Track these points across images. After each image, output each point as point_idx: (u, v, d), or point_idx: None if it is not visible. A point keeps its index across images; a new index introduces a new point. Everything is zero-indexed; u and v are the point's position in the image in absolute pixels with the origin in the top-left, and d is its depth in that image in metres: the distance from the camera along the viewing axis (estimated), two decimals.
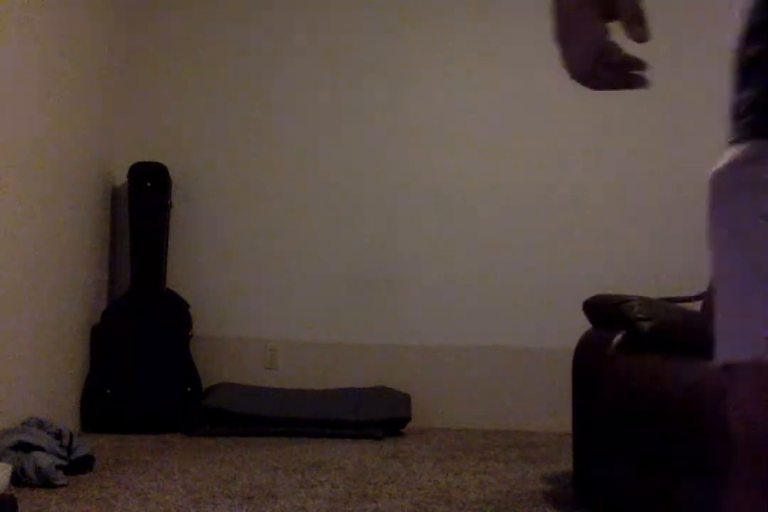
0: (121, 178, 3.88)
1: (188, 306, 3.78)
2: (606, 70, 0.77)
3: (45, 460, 2.61)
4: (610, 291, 2.67)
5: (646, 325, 2.33)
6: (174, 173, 3.88)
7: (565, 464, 2.69)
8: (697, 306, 2.93)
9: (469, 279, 3.94)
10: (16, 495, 2.28)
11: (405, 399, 3.66)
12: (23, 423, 2.84)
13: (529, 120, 4.00)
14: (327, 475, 2.81)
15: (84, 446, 2.85)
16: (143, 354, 3.68)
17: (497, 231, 3.96)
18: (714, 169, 0.76)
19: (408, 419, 3.61)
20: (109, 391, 3.61)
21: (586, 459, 2.44)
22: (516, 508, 2.44)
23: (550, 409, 3.66)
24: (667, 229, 3.86)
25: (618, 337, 2.39)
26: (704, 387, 1.87)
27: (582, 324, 2.57)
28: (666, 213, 3.88)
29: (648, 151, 3.94)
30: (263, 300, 3.96)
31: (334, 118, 4.04)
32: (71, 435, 2.85)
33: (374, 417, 3.57)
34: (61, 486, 2.57)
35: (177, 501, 2.46)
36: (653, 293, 2.55)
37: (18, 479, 2.53)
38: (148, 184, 3.80)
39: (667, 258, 3.79)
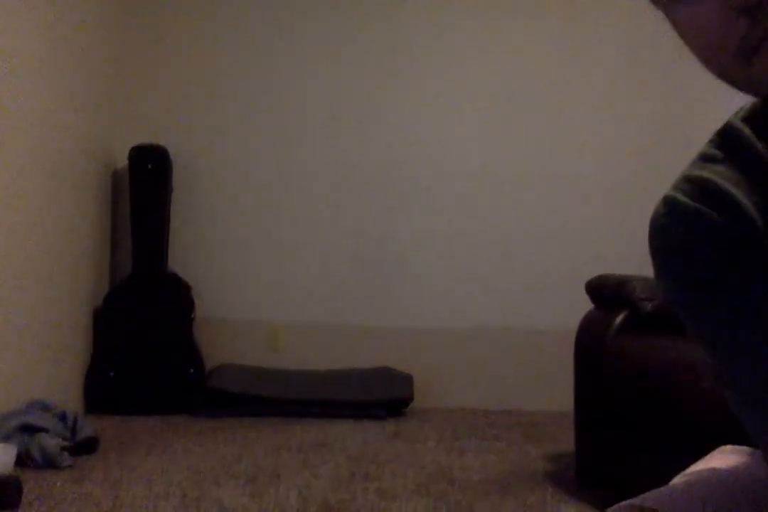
0: (122, 160, 3.87)
1: (190, 288, 3.78)
2: None
3: (50, 442, 2.62)
4: (613, 272, 2.66)
5: (648, 306, 2.32)
6: (175, 155, 3.86)
7: (567, 443, 2.70)
8: None
9: (472, 261, 3.93)
10: (20, 477, 2.30)
11: (407, 380, 3.67)
12: (27, 406, 2.85)
13: (531, 95, 3.97)
14: (330, 455, 2.83)
15: (88, 427, 2.87)
16: (146, 337, 3.69)
17: (500, 211, 3.95)
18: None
19: (410, 399, 3.62)
20: (112, 373, 3.62)
21: (588, 439, 2.45)
22: (518, 487, 2.45)
23: (552, 389, 3.67)
24: None
25: (620, 318, 2.39)
26: (707, 366, 1.87)
27: (584, 305, 2.57)
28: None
29: (653, 128, 3.92)
30: (266, 282, 3.96)
31: (336, 98, 4.01)
32: (75, 417, 2.87)
33: (377, 397, 3.58)
34: (66, 467, 2.59)
35: (181, 481, 2.48)
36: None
37: (23, 460, 2.55)
38: (149, 167, 3.79)
39: None
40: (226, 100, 4.02)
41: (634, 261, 3.66)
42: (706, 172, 0.66)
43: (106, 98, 3.87)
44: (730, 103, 0.78)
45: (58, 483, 2.42)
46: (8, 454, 2.38)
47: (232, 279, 3.96)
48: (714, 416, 1.80)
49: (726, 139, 0.68)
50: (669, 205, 0.67)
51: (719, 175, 0.65)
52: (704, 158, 0.68)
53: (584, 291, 2.58)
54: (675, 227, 0.66)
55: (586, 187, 3.92)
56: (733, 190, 0.64)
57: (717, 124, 0.72)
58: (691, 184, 0.67)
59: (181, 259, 3.89)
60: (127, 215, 3.82)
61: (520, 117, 3.97)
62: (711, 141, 0.69)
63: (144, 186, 3.79)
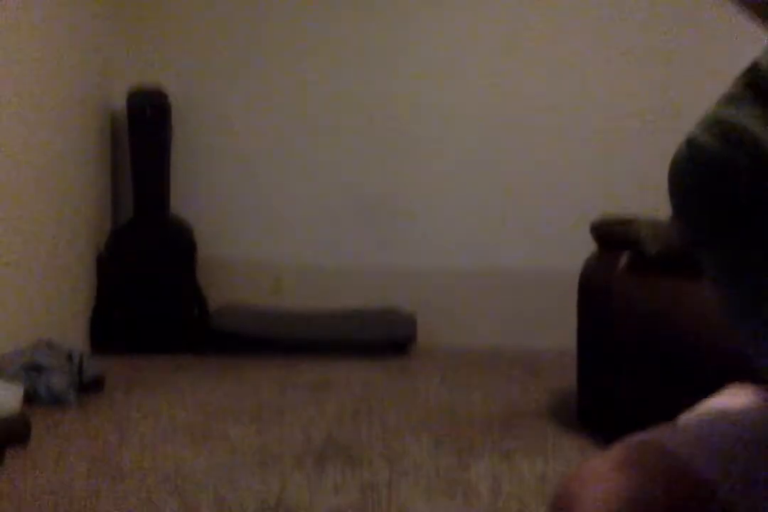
0: (120, 103, 3.80)
1: (192, 230, 3.76)
2: None
3: (56, 380, 2.66)
4: (618, 212, 2.64)
5: (653, 246, 2.31)
6: (175, 98, 3.79)
7: (568, 381, 2.73)
8: None
9: (475, 202, 3.91)
10: (29, 415, 2.33)
11: (410, 320, 3.70)
12: (34, 345, 2.87)
13: (534, 32, 3.88)
14: (334, 393, 2.87)
15: (95, 367, 2.90)
16: (149, 278, 3.70)
17: (503, 150, 3.90)
18: None
19: (413, 339, 3.65)
20: (117, 314, 3.64)
21: (590, 377, 2.47)
22: (519, 423, 2.49)
23: (554, 328, 3.68)
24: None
25: (624, 258, 2.38)
26: (709, 307, 1.87)
27: (589, 246, 2.55)
28: (682, 126, 3.80)
29: (664, 65, 3.83)
30: (268, 223, 3.94)
31: (341, 40, 3.91)
32: (82, 356, 2.89)
33: (380, 336, 3.61)
34: (73, 405, 2.63)
35: (187, 418, 2.52)
36: (663, 214, 2.51)
37: (30, 399, 2.58)
38: (148, 111, 3.72)
39: None
40: (226, 42, 3.92)
41: (641, 202, 3.64)
42: (732, 113, 0.64)
43: (103, 40, 3.78)
44: (744, 40, 0.75)
45: (66, 421, 2.46)
46: (16, 393, 2.42)
47: (233, 220, 3.94)
48: (717, 356, 1.81)
49: (753, 78, 0.65)
50: (691, 147, 0.65)
51: (745, 116, 0.63)
52: (730, 98, 0.65)
53: (589, 231, 2.57)
54: (697, 170, 0.64)
55: (593, 127, 3.86)
56: (759, 132, 0.61)
57: (732, 63, 0.69)
58: (716, 125, 0.64)
59: (183, 201, 3.86)
60: (127, 158, 3.78)
61: (527, 57, 3.88)
62: (737, 80, 0.66)
63: (143, 129, 3.73)
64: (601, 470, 0.69)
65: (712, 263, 0.67)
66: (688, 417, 0.80)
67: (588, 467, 0.70)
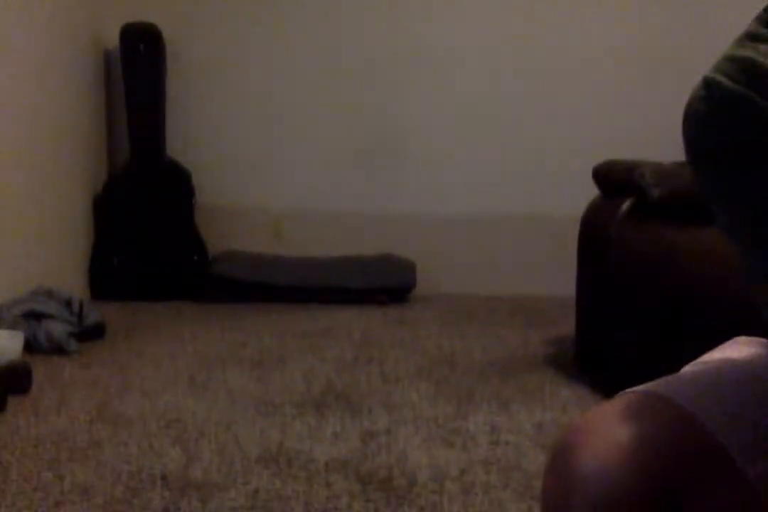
0: (113, 40, 3.70)
1: (191, 174, 3.72)
2: None
3: (56, 328, 2.66)
4: (623, 156, 2.59)
5: (656, 192, 2.27)
6: (170, 38, 3.69)
7: (567, 329, 2.73)
8: None
9: (476, 147, 3.85)
10: (29, 363, 2.34)
11: (410, 267, 3.69)
12: (32, 293, 2.87)
13: None
14: (334, 340, 2.88)
15: (94, 313, 2.90)
16: (148, 224, 3.67)
17: (504, 96, 3.82)
18: None
19: (413, 286, 3.65)
20: (115, 260, 3.63)
21: (589, 324, 2.47)
22: (518, 371, 2.50)
23: (554, 275, 3.67)
24: (686, 88, 3.70)
25: (626, 204, 2.35)
26: (714, 255, 1.85)
27: (591, 192, 2.52)
28: (685, 71, 3.71)
29: (660, 10, 3.72)
30: (267, 168, 3.89)
31: None
32: (81, 303, 2.89)
33: (380, 284, 3.61)
34: (74, 352, 2.64)
35: (188, 365, 2.53)
36: (670, 158, 2.46)
37: (30, 346, 2.59)
38: (141, 47, 3.63)
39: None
40: None
41: (645, 148, 3.57)
42: (751, 52, 0.60)
43: None
44: None
45: (67, 368, 2.48)
46: (16, 340, 2.42)
47: (231, 166, 3.89)
48: (720, 305, 1.80)
49: None
50: (709, 87, 0.62)
51: (765, 55, 0.60)
52: (750, 36, 0.62)
53: (591, 177, 2.53)
54: (716, 111, 0.61)
55: (597, 71, 3.77)
56: None
57: (741, 5, 0.65)
58: (735, 64, 0.61)
59: (180, 145, 3.80)
60: (121, 98, 3.70)
61: (530, 2, 3.77)
62: (757, 18, 0.63)
63: (137, 67, 3.64)
64: (603, 421, 0.68)
65: (727, 209, 0.65)
66: (692, 369, 0.78)
67: (590, 418, 0.69)
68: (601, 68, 3.77)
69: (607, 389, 0.68)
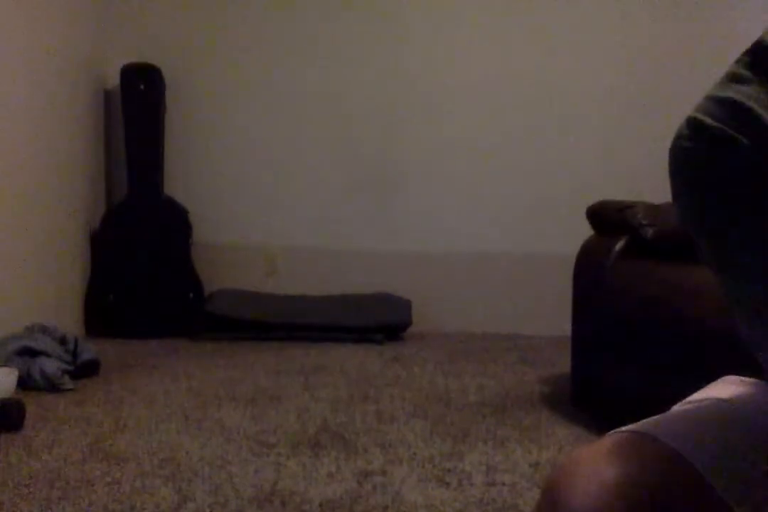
0: (113, 80, 3.76)
1: (188, 212, 3.74)
2: None
3: (50, 365, 2.65)
4: (616, 196, 2.62)
5: (650, 231, 2.30)
6: (168, 76, 3.75)
7: (562, 368, 2.73)
8: None
9: (471, 185, 3.89)
10: (23, 400, 2.32)
11: (406, 305, 3.69)
12: (27, 329, 2.86)
13: (535, 17, 3.83)
14: (329, 378, 2.87)
15: (89, 351, 2.89)
16: (144, 261, 3.68)
17: (500, 134, 3.87)
18: None
19: (408, 324, 3.65)
20: (111, 297, 3.63)
21: (584, 363, 2.47)
22: (513, 409, 2.49)
23: (549, 314, 3.68)
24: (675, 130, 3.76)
25: (620, 243, 2.37)
26: (707, 293, 1.86)
27: (585, 231, 2.54)
28: (677, 113, 3.77)
29: (658, 52, 3.80)
30: (264, 205, 3.92)
31: (334, 16, 3.87)
32: (76, 340, 2.88)
33: (375, 322, 3.61)
34: (68, 390, 2.62)
35: (183, 403, 2.51)
36: (660, 199, 2.50)
37: (24, 383, 2.57)
38: (141, 87, 3.69)
39: None
40: (220, 19, 3.87)
41: (637, 187, 3.62)
42: (734, 93, 0.63)
43: (95, 16, 3.73)
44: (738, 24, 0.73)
45: (60, 406, 2.46)
46: (10, 377, 2.41)
47: (228, 203, 3.92)
48: (713, 344, 1.81)
49: (756, 58, 0.64)
50: (693, 127, 0.64)
51: (747, 97, 0.62)
52: (732, 78, 0.64)
53: (585, 216, 2.55)
54: (699, 150, 0.63)
55: (591, 112, 3.83)
56: (762, 113, 0.60)
57: (728, 49, 0.68)
58: (717, 105, 0.63)
59: (178, 183, 3.83)
60: (121, 137, 3.75)
61: (524, 32, 3.84)
62: (739, 60, 0.65)
63: (136, 106, 3.70)
64: (590, 461, 0.68)
65: (711, 246, 0.66)
66: (680, 408, 0.79)
67: (577, 457, 0.70)
68: (598, 109, 3.83)
69: (603, 427, 0.68)
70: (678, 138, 0.65)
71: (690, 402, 0.80)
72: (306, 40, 3.88)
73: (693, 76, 3.63)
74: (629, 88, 3.81)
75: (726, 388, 0.81)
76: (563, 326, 2.63)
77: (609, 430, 0.75)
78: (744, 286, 0.65)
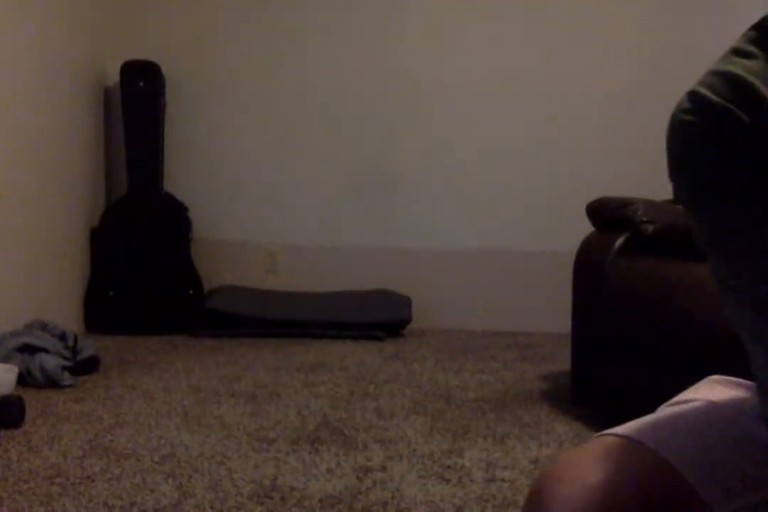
0: (113, 77, 3.76)
1: (187, 209, 3.74)
2: None
3: (50, 361, 2.65)
4: (614, 194, 2.62)
5: (650, 228, 2.30)
6: (168, 73, 3.75)
7: (562, 364, 2.73)
8: None
9: (472, 182, 3.88)
10: (23, 396, 2.32)
11: (406, 302, 3.69)
12: (27, 326, 2.86)
13: (531, 13, 3.83)
14: (329, 375, 2.87)
15: (89, 347, 2.89)
16: (144, 257, 3.68)
17: (501, 132, 3.86)
18: None
19: (408, 321, 3.65)
20: (111, 293, 3.63)
21: (584, 360, 2.47)
22: (513, 406, 2.49)
23: (549, 311, 3.68)
24: None
25: (620, 240, 2.37)
26: (707, 289, 1.86)
27: (585, 228, 2.54)
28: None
29: (655, 49, 3.79)
30: (263, 202, 3.92)
31: (335, 11, 3.86)
32: (76, 337, 2.89)
33: (375, 318, 3.61)
34: (68, 386, 2.62)
35: (182, 399, 2.52)
36: (660, 196, 2.50)
37: (24, 380, 2.57)
38: (141, 84, 3.69)
39: None
40: (219, 14, 3.87)
41: (637, 184, 3.62)
42: (737, 68, 0.62)
43: (96, 13, 3.73)
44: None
45: (60, 402, 2.46)
46: (10, 374, 2.41)
47: (227, 200, 3.92)
48: (713, 340, 1.81)
49: (763, 33, 0.63)
50: (694, 100, 0.63)
51: (750, 72, 0.61)
52: (736, 53, 0.64)
53: (585, 213, 2.55)
54: (699, 124, 0.63)
55: (590, 108, 3.83)
56: (764, 88, 0.60)
57: (725, 35, 0.67)
58: (720, 79, 0.63)
59: (177, 180, 3.83)
60: (120, 134, 3.75)
61: (524, 32, 3.84)
62: (745, 35, 0.65)
63: (136, 103, 3.70)
64: (575, 466, 0.68)
65: (705, 222, 0.65)
66: (665, 411, 0.78)
67: (563, 462, 0.69)
68: (598, 108, 3.83)
69: (603, 424, 0.68)
70: (678, 111, 0.65)
71: (676, 404, 0.80)
72: (307, 38, 3.88)
73: (693, 75, 3.62)
74: (629, 87, 3.80)
75: (712, 389, 0.81)
76: (563, 323, 2.63)
77: (608, 427, 0.75)
78: (732, 263, 0.65)
